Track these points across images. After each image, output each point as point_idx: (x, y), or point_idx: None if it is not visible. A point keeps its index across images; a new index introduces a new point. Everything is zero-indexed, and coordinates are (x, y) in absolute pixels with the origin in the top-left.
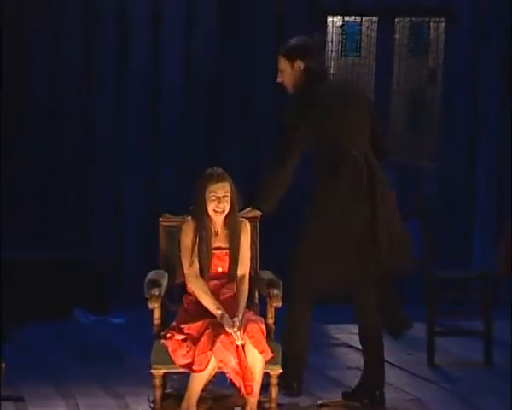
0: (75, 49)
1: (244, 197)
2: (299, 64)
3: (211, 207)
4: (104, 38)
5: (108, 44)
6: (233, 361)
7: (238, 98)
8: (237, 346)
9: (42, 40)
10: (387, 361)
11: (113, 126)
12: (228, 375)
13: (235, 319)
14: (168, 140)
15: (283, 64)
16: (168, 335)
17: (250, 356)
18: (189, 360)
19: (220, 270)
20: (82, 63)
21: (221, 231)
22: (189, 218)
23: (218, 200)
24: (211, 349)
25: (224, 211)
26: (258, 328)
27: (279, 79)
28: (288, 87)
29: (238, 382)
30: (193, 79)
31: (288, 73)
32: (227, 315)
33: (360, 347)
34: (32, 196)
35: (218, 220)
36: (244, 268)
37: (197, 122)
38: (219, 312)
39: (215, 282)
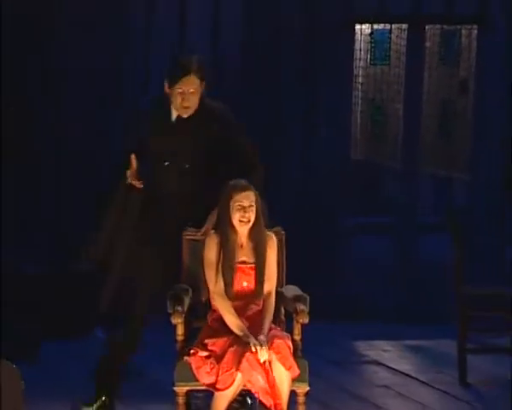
0: (97, 48)
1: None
2: (204, 83)
3: (236, 218)
4: (129, 38)
5: (132, 45)
6: (261, 380)
7: (266, 107)
8: (264, 363)
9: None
10: (417, 379)
11: None
12: (256, 395)
13: (261, 336)
14: None
15: (197, 85)
16: (192, 351)
17: (276, 373)
18: (212, 379)
19: (245, 284)
20: (103, 62)
21: (246, 243)
22: (213, 232)
23: (244, 209)
24: (236, 368)
25: (249, 221)
26: (284, 344)
27: (189, 104)
28: (192, 110)
29: (268, 401)
30: (219, 84)
31: (199, 94)
32: (252, 336)
33: (391, 364)
34: (49, 209)
35: (243, 232)
36: (271, 284)
37: None
38: (242, 334)
39: (240, 298)
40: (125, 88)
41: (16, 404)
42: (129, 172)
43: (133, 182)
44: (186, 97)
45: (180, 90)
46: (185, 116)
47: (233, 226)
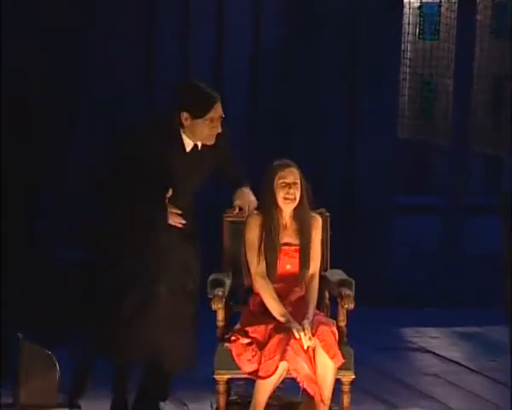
0: (133, 42)
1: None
2: None
3: (281, 196)
4: (165, 33)
5: (169, 39)
6: (306, 368)
7: (306, 92)
8: (307, 349)
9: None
10: (467, 367)
11: None
12: (301, 383)
13: (305, 321)
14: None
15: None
16: (232, 338)
17: (321, 361)
18: (254, 367)
19: (289, 267)
20: (140, 55)
21: (290, 224)
22: (255, 212)
23: (289, 186)
24: (281, 358)
25: (295, 198)
26: (329, 331)
27: (219, 129)
28: None
29: (313, 389)
30: (259, 78)
31: None
32: (294, 321)
33: (440, 352)
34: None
35: (287, 211)
36: (314, 266)
37: (264, 121)
38: (284, 319)
39: (283, 281)
40: (158, 91)
41: (52, 390)
42: (170, 212)
43: (175, 221)
44: (216, 124)
45: (211, 118)
46: (202, 144)
47: (278, 206)
